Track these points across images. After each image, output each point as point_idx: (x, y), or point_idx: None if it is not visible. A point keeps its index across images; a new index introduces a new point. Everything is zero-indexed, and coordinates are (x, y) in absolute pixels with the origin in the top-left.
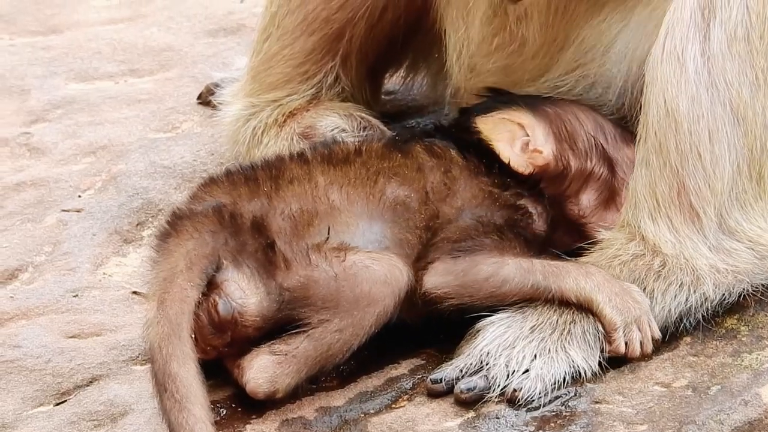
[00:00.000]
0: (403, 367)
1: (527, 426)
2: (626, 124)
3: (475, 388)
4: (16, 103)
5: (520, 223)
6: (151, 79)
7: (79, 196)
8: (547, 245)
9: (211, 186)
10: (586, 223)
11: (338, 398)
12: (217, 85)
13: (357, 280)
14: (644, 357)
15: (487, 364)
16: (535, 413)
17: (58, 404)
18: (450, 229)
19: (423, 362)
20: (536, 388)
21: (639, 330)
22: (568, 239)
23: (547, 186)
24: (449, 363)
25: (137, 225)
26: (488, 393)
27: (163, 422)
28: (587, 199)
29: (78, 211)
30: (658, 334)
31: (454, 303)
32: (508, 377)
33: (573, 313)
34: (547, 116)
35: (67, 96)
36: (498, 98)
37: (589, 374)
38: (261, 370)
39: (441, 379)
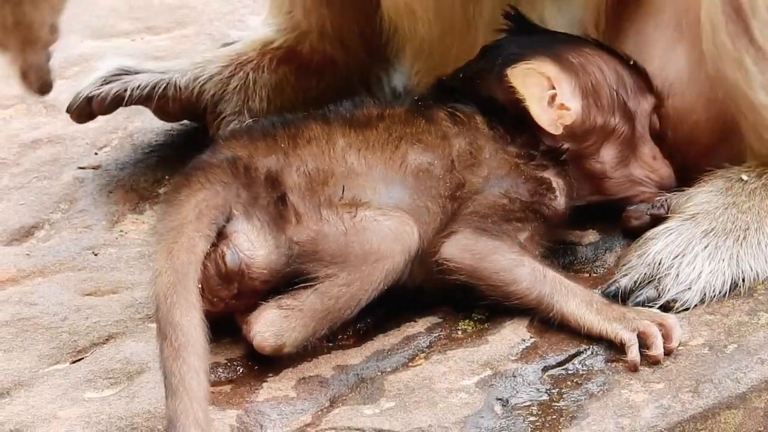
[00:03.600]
0: (420, 326)
1: (543, 384)
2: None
3: (646, 300)
4: None
5: (543, 198)
6: (167, 37)
7: (96, 154)
8: (563, 226)
9: (231, 140)
10: (609, 179)
11: (355, 356)
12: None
13: (366, 236)
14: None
15: (658, 275)
16: (552, 371)
17: (74, 362)
18: (479, 201)
19: (440, 320)
20: (695, 299)
21: (651, 335)
22: (590, 196)
23: (568, 143)
24: (622, 274)
25: (154, 182)
26: (657, 303)
27: (160, 371)
28: (608, 155)
29: (94, 168)
30: (677, 340)
31: (462, 280)
32: (677, 289)
33: (746, 220)
34: (573, 68)
35: (83, 53)
36: (520, 41)
37: (761, 279)
38: (267, 324)
39: (615, 292)
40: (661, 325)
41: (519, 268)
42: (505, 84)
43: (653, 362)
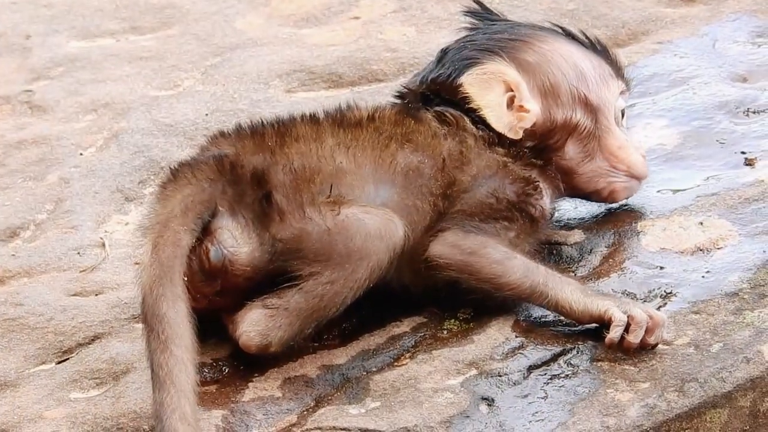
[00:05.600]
0: (405, 325)
1: (529, 383)
2: None
3: None
4: (17, 61)
5: (529, 198)
6: (152, 37)
7: (81, 154)
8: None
9: (220, 138)
10: (578, 174)
11: (340, 356)
12: None
13: (350, 234)
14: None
15: None
16: (538, 371)
17: (60, 362)
18: (466, 200)
19: (425, 320)
20: None
21: (638, 322)
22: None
23: (531, 142)
24: None
25: (139, 183)
26: None
27: (147, 364)
28: (572, 150)
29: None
30: (657, 338)
31: (453, 276)
32: None
33: None
34: (530, 68)
35: (68, 54)
36: (475, 42)
37: None
38: (253, 324)
39: None
40: (650, 318)
41: (511, 260)
42: (462, 92)
43: (626, 347)
